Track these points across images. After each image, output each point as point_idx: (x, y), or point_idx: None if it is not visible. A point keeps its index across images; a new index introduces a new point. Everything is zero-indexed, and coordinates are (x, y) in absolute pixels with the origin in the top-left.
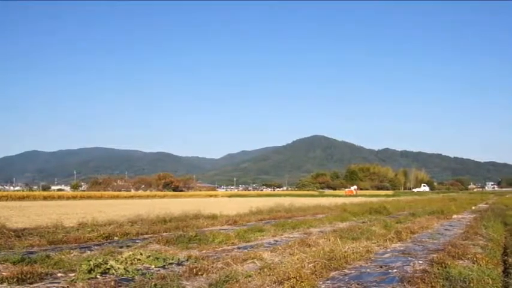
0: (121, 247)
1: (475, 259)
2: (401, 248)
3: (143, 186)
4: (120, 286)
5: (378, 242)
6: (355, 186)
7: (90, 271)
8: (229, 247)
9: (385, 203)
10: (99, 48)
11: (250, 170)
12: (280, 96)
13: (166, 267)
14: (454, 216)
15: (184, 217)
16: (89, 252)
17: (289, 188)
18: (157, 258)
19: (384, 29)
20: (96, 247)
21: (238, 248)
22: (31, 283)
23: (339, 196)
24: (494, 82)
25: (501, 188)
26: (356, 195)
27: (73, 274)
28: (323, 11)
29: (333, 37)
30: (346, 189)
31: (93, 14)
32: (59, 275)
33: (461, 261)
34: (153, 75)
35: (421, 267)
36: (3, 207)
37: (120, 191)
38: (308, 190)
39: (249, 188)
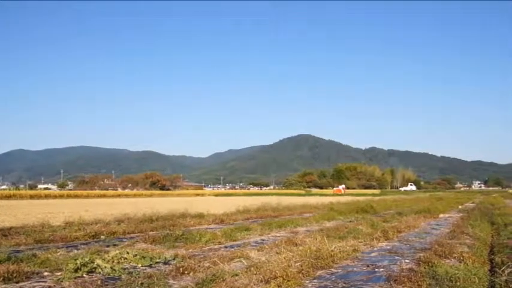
0: (108, 246)
1: (461, 258)
2: (388, 247)
3: (130, 185)
4: (107, 285)
5: (364, 241)
6: (344, 185)
7: (76, 270)
8: (216, 246)
9: (372, 202)
10: (85, 46)
11: (237, 169)
12: (267, 95)
13: (153, 266)
14: (441, 215)
15: (171, 216)
16: (75, 251)
17: (276, 187)
18: (144, 257)
19: (370, 29)
20: (82, 246)
21: (225, 247)
22: (17, 282)
23: (326, 195)
24: (481, 82)
25: (488, 187)
26: (343, 194)
27: (59, 273)
28: (310, 11)
29: (320, 36)
30: (335, 188)
31: (77, 13)
32: (46, 274)
33: (448, 260)
34: (139, 74)
35: (407, 266)
36: None
37: (106, 189)
38: (295, 189)
39: (236, 187)
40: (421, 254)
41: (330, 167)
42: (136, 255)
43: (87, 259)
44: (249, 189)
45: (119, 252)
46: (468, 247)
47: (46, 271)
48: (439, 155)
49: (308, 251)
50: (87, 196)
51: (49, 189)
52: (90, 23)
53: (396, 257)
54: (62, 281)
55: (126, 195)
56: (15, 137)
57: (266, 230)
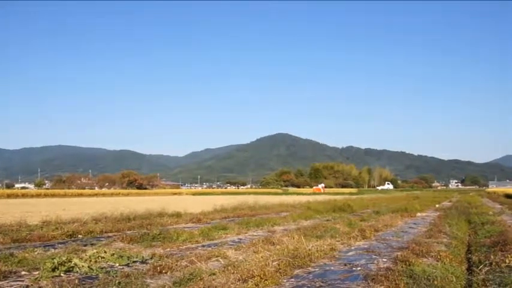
0: (85, 245)
1: (439, 257)
2: (366, 246)
3: (107, 184)
4: (84, 284)
5: (342, 240)
6: (323, 184)
7: (54, 269)
8: (194, 245)
9: (349, 201)
10: (63, 46)
11: (214, 168)
12: (244, 94)
13: (130, 265)
14: (418, 214)
15: (148, 215)
16: (53, 250)
17: (253, 186)
18: (121, 256)
19: (348, 28)
20: (60, 245)
21: (203, 246)
22: None
23: (303, 194)
24: (458, 81)
25: (465, 186)
26: (321, 193)
27: (37, 272)
28: (288, 11)
29: (297, 36)
30: (314, 187)
31: (53, 11)
32: (23, 273)
33: (425, 259)
34: (115, 73)
35: (385, 265)
36: None
37: (84, 188)
38: (272, 188)
39: (213, 186)
40: (399, 253)
41: (307, 166)
42: (113, 254)
43: (64, 258)
44: (226, 188)
45: (97, 252)
46: (445, 246)
47: (23, 270)
48: (416, 153)
49: (285, 250)
50: (65, 195)
51: (26, 188)
52: (69, 21)
53: (373, 256)
54: (39, 280)
55: (103, 195)
56: None
57: (243, 229)
